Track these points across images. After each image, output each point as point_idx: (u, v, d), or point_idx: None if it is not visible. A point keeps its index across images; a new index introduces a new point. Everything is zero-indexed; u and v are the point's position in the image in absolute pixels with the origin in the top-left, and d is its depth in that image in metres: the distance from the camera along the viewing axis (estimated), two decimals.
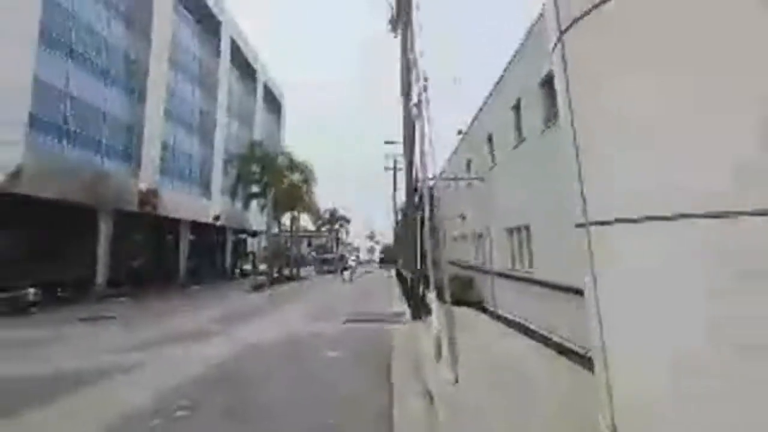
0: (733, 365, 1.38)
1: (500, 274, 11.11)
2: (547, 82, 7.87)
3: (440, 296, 7.19)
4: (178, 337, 10.02)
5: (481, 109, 13.24)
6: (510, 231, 10.39)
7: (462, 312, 10.95)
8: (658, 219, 1.62)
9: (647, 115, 1.66)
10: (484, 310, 12.07)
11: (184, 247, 30.13)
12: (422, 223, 11.04)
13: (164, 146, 28.02)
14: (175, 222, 29.12)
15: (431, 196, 11.34)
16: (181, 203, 28.90)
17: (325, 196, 66.70)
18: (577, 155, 2.01)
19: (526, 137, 9.09)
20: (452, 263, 21.51)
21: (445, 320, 5.93)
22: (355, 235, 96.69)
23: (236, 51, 38.54)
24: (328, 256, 56.15)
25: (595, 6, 1.75)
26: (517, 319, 9.17)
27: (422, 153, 8.32)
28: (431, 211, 10.26)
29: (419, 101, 8.70)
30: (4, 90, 16.67)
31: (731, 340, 1.39)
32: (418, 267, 11.92)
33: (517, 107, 9.68)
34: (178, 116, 30.30)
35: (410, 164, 12.10)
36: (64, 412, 5.11)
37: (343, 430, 4.29)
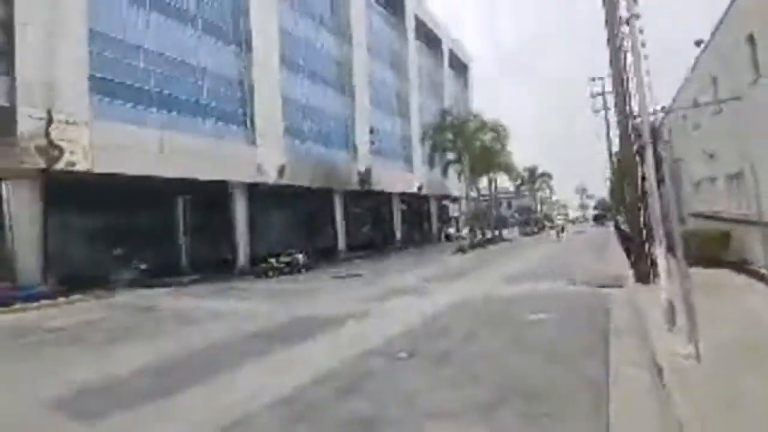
0: None
1: None
2: None
3: (675, 254, 5.83)
4: (399, 291, 11.74)
5: (732, 3, 9.61)
6: None
7: (712, 274, 8.64)
8: None
9: None
10: (753, 274, 9.12)
11: (396, 216, 34.40)
12: (645, 167, 9.11)
13: (372, 130, 32.11)
14: (387, 195, 33.42)
15: (654, 132, 9.26)
16: (390, 178, 32.84)
17: (524, 155, 62.79)
18: None
19: None
20: (696, 215, 16.93)
21: (682, 283, 4.85)
22: (561, 191, 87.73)
23: (421, 25, 39.76)
24: (531, 216, 53.19)
25: None
26: None
27: (638, 80, 6.77)
28: (654, 150, 8.29)
29: (629, 16, 7.03)
30: (268, 110, 22.59)
31: None
32: (642, 221, 9.96)
33: None
34: (380, 101, 34.00)
35: (623, 100, 10.03)
36: (310, 348, 6.88)
37: (538, 397, 4.19)
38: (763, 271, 8.71)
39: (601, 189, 65.10)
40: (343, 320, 8.32)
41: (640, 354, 4.96)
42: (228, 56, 21.58)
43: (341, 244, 27.89)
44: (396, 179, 34.07)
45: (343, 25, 29.72)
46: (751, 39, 8.74)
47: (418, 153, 36.86)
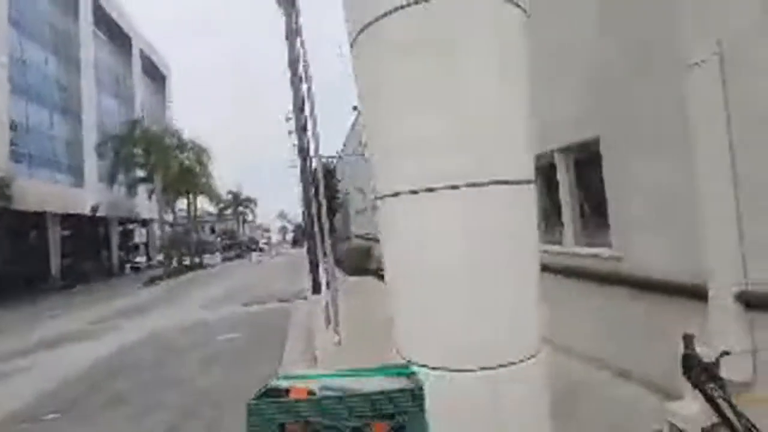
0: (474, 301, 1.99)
1: None
2: None
3: (341, 268, 7.71)
4: (55, 340, 9.07)
5: None
6: None
7: (359, 280, 11.69)
8: (418, 192, 2.18)
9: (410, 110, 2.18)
10: (383, 277, 12.98)
11: (54, 245, 26.19)
12: (318, 199, 11.34)
13: (14, 126, 23.52)
14: (40, 216, 25.05)
15: (328, 172, 11.59)
16: (46, 194, 24.87)
17: (229, 178, 62.71)
18: (369, 138, 2.53)
19: None
20: (357, 236, 22.34)
21: (331, 291, 6.44)
22: (265, 216, 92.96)
23: (101, 14, 33.23)
24: (235, 240, 53.58)
25: (373, 21, 2.22)
26: None
27: (313, 130, 8.50)
28: (328, 186, 10.58)
29: (306, 77, 8.77)
30: None
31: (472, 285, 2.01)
32: (317, 242, 12.26)
33: None
34: (30, 90, 25.49)
35: (303, 145, 12.17)
36: None
37: (222, 404, 4.55)
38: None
39: (299, 215, 73.92)
40: None
41: (305, 347, 6.17)
42: None
43: None
44: (56, 195, 26.16)
45: None
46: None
47: (93, 166, 29.94)
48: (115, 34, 36.30)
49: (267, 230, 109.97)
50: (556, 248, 4.52)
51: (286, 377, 1.13)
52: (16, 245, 25.37)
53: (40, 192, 24.32)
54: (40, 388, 5.75)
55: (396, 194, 2.27)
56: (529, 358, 2.04)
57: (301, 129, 12.30)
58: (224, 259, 42.67)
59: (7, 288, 22.00)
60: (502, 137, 2.17)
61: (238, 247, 50.36)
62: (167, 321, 10.37)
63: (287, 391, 1.04)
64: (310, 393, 1.02)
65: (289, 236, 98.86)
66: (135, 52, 39.45)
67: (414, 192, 2.16)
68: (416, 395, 0.97)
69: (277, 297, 12.20)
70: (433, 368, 1.80)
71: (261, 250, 40.29)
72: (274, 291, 13.83)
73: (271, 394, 1.03)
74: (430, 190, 2.09)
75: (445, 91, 2.12)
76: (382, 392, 0.98)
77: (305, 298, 11.20)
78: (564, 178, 4.47)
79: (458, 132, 2.12)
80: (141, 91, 40.29)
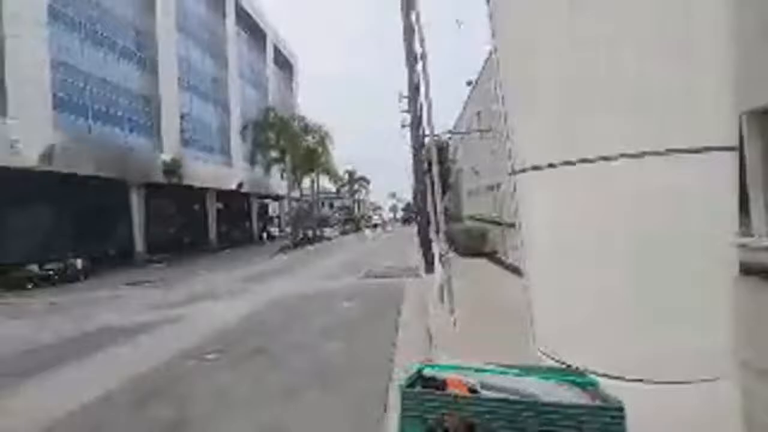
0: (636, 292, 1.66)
1: (511, 225, 11.29)
2: None
3: (453, 248, 7.58)
4: (213, 294, 10.98)
5: (489, 55, 12.84)
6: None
7: (473, 262, 11.34)
8: (565, 164, 1.86)
9: (561, 71, 1.86)
10: (498, 261, 12.40)
11: (212, 214, 31.54)
12: (431, 178, 11.21)
13: (182, 116, 28.56)
14: (202, 191, 30.30)
15: (439, 150, 11.36)
16: (205, 172, 29.90)
17: (345, 157, 66.72)
18: (505, 110, 2.24)
19: None
20: (470, 217, 21.71)
21: (445, 271, 6.34)
22: (377, 194, 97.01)
23: (242, 13, 37.71)
24: (351, 216, 57.31)
25: None
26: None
27: (428, 108, 8.34)
28: (440, 165, 10.38)
29: (422, 53, 8.58)
30: (28, 73, 17.34)
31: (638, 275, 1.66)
32: (429, 222, 12.23)
33: None
34: (192, 85, 30.54)
35: (417, 122, 12.07)
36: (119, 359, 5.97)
37: (351, 364, 4.87)
38: (503, 258, 11.96)
39: (409, 193, 75.54)
40: (141, 329, 7.37)
41: (419, 324, 6.23)
42: None
43: (140, 246, 23.83)
44: (212, 174, 31.28)
45: None
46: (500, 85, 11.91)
47: (239, 148, 34.77)
48: (253, 30, 40.89)
49: (379, 208, 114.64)
50: (739, 240, 3.60)
51: (436, 366, 1.04)
52: (186, 215, 31.33)
53: (202, 171, 29.34)
54: (200, 334, 6.95)
55: (550, 165, 1.95)
56: (717, 378, 1.61)
57: (415, 107, 12.21)
58: (341, 233, 46.16)
59: (179, 248, 27.41)
60: (686, 97, 1.69)
61: (353, 222, 53.81)
62: (295, 286, 11.62)
63: (444, 382, 0.95)
64: (471, 390, 0.91)
65: (399, 215, 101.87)
66: (268, 45, 44.00)
67: (575, 162, 1.82)
68: (615, 417, 0.77)
69: (391, 272, 12.65)
70: (601, 376, 1.53)
71: (374, 226, 42.28)
72: (387, 265, 14.39)
73: (425, 382, 0.95)
74: (598, 159, 1.74)
75: (617, 42, 1.72)
76: (569, 405, 0.81)
77: (418, 276, 11.37)
78: (754, 148, 3.49)
79: (631, 91, 1.72)
80: (273, 80, 45.01)
